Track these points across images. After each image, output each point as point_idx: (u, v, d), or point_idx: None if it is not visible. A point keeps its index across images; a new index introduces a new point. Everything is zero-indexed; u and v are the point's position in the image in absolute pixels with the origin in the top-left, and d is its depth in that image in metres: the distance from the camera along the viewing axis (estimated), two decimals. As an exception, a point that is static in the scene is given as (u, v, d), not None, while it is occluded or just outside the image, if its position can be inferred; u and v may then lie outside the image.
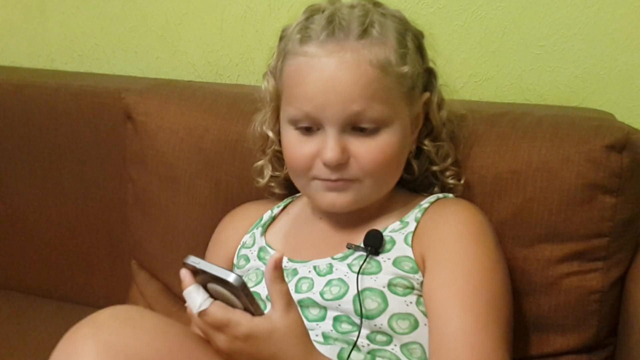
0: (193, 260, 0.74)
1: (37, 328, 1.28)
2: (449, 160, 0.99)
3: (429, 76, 0.97)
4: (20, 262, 1.42)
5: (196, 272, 0.75)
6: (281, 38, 0.96)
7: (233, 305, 0.75)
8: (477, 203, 0.99)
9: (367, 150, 0.90)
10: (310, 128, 0.91)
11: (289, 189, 1.06)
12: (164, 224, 1.19)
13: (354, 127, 0.89)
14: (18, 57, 1.55)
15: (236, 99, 1.16)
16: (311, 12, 0.93)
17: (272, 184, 1.05)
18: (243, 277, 0.72)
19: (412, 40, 0.93)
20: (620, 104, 1.15)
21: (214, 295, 0.75)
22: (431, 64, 0.98)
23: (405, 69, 0.90)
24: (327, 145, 0.89)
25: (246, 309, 0.74)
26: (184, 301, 0.92)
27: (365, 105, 0.88)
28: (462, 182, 0.99)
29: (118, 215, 1.29)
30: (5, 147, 1.38)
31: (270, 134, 1.00)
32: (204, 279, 0.74)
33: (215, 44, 1.38)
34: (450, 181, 0.99)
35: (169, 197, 1.18)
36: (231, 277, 0.71)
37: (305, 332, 0.77)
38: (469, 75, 1.22)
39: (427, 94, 0.96)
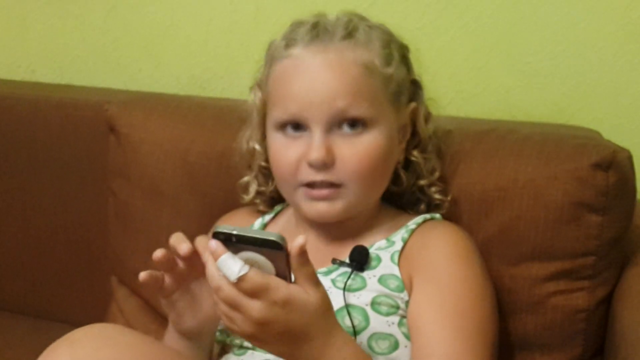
0: (226, 227, 0.73)
1: (12, 346, 1.25)
2: (436, 174, 0.99)
3: (415, 88, 0.97)
4: (-5, 277, 1.40)
5: (226, 244, 0.73)
6: (267, 50, 0.96)
7: None
8: (463, 220, 0.99)
9: (352, 152, 0.89)
10: (297, 130, 0.91)
11: (274, 206, 1.05)
12: (146, 239, 1.17)
13: (340, 126, 0.89)
14: (-3, 68, 1.53)
15: (222, 111, 1.16)
16: (296, 25, 0.94)
17: (257, 200, 1.04)
18: None
19: (397, 50, 0.94)
20: (606, 121, 1.16)
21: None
22: (417, 78, 0.98)
23: (390, 70, 0.91)
24: (313, 145, 0.89)
25: (278, 275, 0.74)
26: (164, 317, 0.91)
27: (350, 100, 0.88)
28: (448, 198, 0.99)
29: (98, 230, 1.27)
30: (-17, 160, 1.36)
31: (257, 146, 1.00)
32: (234, 249, 0.73)
33: (199, 56, 1.37)
34: (437, 196, 0.99)
35: (152, 211, 1.17)
36: (274, 236, 0.71)
37: (331, 307, 0.78)
38: (455, 92, 1.22)
39: (414, 104, 0.96)
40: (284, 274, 0.74)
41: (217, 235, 0.73)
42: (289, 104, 0.90)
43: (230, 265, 0.72)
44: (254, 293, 0.72)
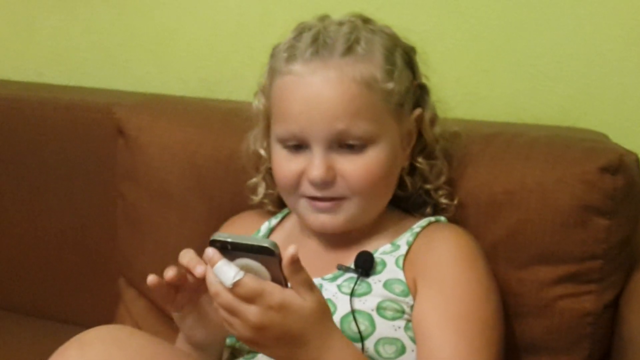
0: (221, 235, 0.75)
1: (21, 347, 1.25)
2: (442, 179, 0.99)
3: (420, 92, 0.97)
4: (4, 279, 1.40)
5: (222, 251, 0.75)
6: (271, 56, 0.96)
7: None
8: (471, 224, 0.99)
9: (353, 168, 0.89)
10: (298, 146, 0.91)
11: (283, 206, 1.05)
12: (154, 241, 1.17)
13: (341, 144, 0.89)
14: (5, 71, 1.53)
15: (229, 114, 1.15)
16: (300, 30, 0.93)
17: (266, 201, 1.04)
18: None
19: (401, 56, 0.93)
20: (614, 124, 1.15)
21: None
22: (424, 80, 0.98)
23: (391, 85, 0.90)
24: (313, 163, 0.89)
25: (274, 281, 0.75)
26: (172, 319, 0.91)
27: (350, 122, 0.88)
28: (455, 202, 0.99)
29: (106, 232, 1.27)
30: (-8, 162, 1.36)
31: (262, 152, 1.00)
32: (231, 256, 0.75)
33: (207, 59, 1.37)
34: (443, 200, 0.99)
35: (160, 213, 1.17)
36: (267, 242, 0.73)
37: (329, 311, 0.78)
38: (462, 94, 1.22)
39: (418, 110, 0.96)
40: (279, 279, 0.75)
41: (213, 243, 0.75)
42: (289, 122, 0.90)
43: (225, 272, 0.73)
44: (250, 298, 0.73)
